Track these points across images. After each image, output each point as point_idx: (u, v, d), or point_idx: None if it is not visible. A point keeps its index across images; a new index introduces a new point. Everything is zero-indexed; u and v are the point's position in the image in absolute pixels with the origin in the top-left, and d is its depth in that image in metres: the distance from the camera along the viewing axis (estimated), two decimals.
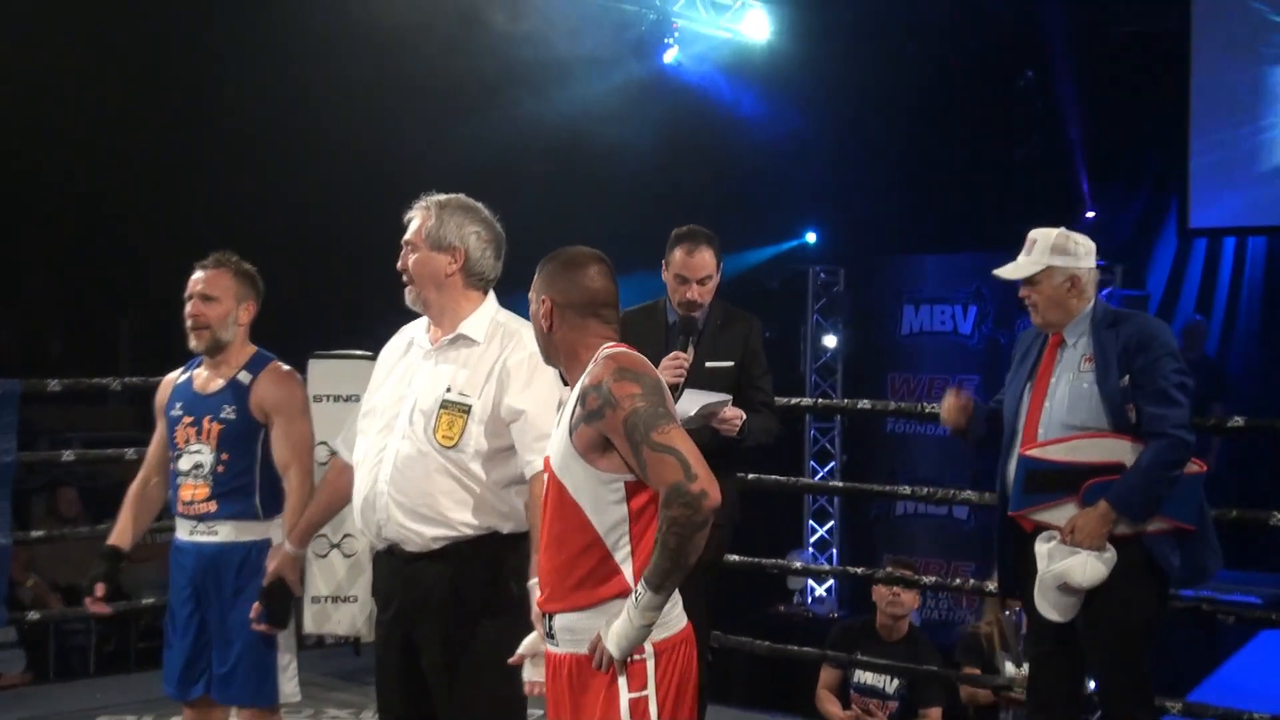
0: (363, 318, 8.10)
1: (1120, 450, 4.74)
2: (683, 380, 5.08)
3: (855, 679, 7.08)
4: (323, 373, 5.28)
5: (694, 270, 5.23)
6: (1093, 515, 4.72)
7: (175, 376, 4.81)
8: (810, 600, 13.99)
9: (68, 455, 7.96)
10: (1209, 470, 4.89)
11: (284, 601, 4.40)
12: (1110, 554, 4.71)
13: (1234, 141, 12.99)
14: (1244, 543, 9.72)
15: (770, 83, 14.24)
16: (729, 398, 5.12)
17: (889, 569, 7.11)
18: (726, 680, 11.02)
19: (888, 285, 14.47)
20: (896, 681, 6.96)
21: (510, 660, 3.60)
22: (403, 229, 4.10)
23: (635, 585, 3.24)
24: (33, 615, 7.87)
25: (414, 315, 4.23)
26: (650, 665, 3.31)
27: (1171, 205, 13.86)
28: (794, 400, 7.08)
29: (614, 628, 3.25)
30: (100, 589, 4.64)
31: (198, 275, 4.67)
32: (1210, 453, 10.53)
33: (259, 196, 13.47)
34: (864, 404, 7.82)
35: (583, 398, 3.33)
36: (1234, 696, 6.89)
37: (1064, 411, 4.84)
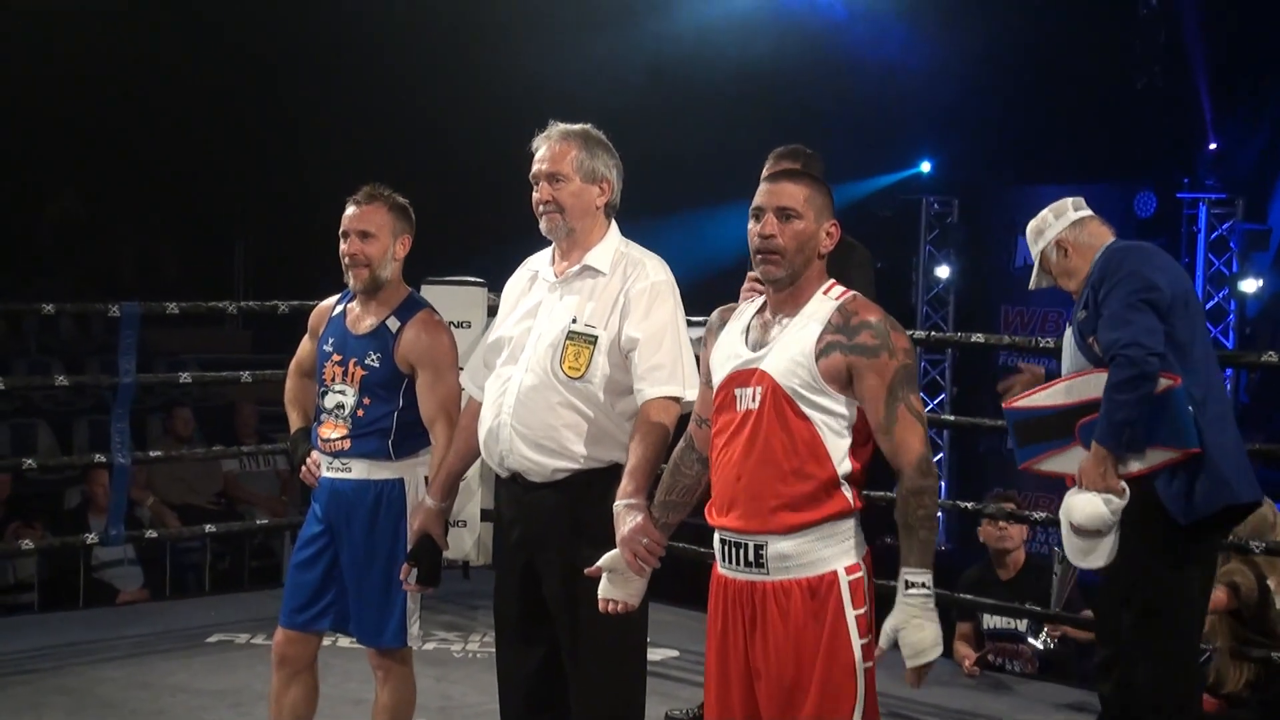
0: (479, 246, 8.13)
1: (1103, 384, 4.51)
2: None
3: (986, 624, 6.90)
4: (434, 298, 5.30)
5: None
6: (1089, 458, 4.49)
7: (331, 305, 4.66)
8: None
9: (184, 377, 8.08)
10: None
11: (433, 559, 4.27)
12: (1123, 498, 4.48)
13: None
14: None
15: (888, 10, 14.05)
16: None
17: (996, 504, 6.98)
18: None
19: (1002, 216, 14.28)
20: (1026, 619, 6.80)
21: (587, 571, 3.64)
22: (521, 156, 4.04)
23: (907, 579, 3.27)
24: (150, 533, 8.00)
25: (521, 244, 4.20)
26: (866, 581, 3.38)
27: None
28: (905, 332, 6.98)
29: (914, 638, 3.26)
30: (314, 459, 4.58)
31: (351, 211, 4.48)
32: None
33: (372, 125, 13.54)
34: (977, 337, 7.70)
35: (849, 330, 3.35)
36: None
37: (1067, 359, 4.79)
